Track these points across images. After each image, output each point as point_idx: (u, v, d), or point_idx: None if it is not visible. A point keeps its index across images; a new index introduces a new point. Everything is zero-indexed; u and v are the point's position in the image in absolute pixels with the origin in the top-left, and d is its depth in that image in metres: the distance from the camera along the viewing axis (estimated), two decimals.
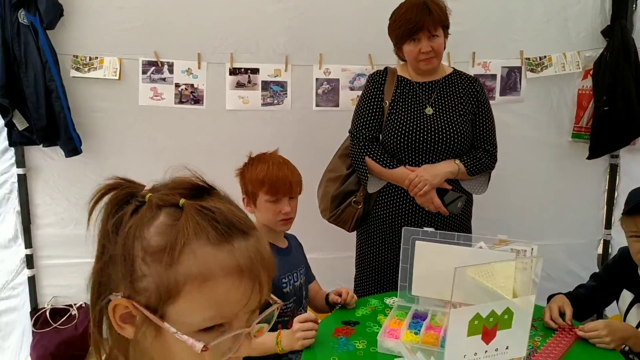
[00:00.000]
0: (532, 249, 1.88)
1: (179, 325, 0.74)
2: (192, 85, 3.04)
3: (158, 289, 0.73)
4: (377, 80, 2.48)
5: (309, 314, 1.91)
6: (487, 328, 1.50)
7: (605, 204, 3.45)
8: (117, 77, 2.95)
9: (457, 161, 2.37)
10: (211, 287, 0.73)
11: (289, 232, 2.21)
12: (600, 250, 3.52)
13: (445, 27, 2.37)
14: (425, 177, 2.31)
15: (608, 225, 3.45)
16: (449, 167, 2.36)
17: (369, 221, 2.51)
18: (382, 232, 2.47)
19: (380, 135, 2.45)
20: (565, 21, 3.12)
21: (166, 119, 3.03)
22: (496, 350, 1.53)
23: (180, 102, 3.05)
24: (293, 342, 1.79)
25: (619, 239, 3.36)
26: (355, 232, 2.59)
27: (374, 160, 2.41)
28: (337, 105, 3.11)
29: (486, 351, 1.51)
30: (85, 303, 3.12)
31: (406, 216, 2.41)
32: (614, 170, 3.38)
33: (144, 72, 2.99)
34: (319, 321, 1.89)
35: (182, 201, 0.76)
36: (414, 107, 2.40)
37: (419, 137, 2.35)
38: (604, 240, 3.48)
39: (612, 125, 3.11)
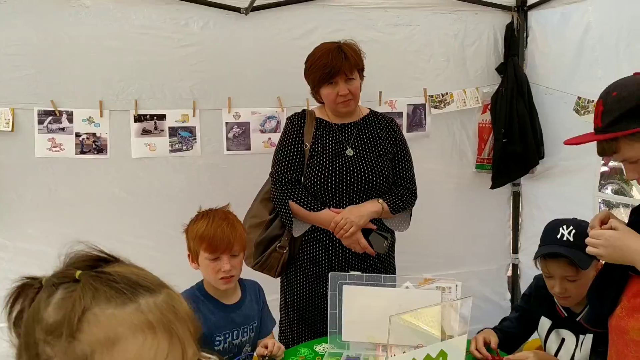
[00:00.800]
0: (457, 285, 1.92)
1: None
2: (94, 134, 2.88)
3: None
4: (296, 122, 2.47)
5: None
6: None
7: (511, 230, 3.63)
8: (9, 129, 2.73)
9: (381, 200, 2.40)
10: (122, 349, 0.68)
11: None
12: (510, 274, 3.69)
13: (361, 69, 2.42)
14: (351, 219, 2.31)
15: (515, 250, 3.63)
16: (373, 207, 2.38)
17: (295, 265, 2.46)
18: (308, 276, 2.43)
19: (302, 178, 2.42)
20: (464, 60, 3.30)
21: (67, 171, 2.84)
22: None
23: (82, 152, 2.87)
24: None
25: (526, 262, 3.53)
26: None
27: (298, 204, 2.38)
28: (249, 149, 3.07)
29: None
30: None
31: (332, 258, 2.40)
32: (516, 198, 3.58)
33: (40, 123, 2.79)
34: None
35: (77, 273, 0.71)
36: (335, 149, 2.41)
37: (342, 179, 2.36)
38: (513, 265, 3.65)
39: (510, 156, 3.29)
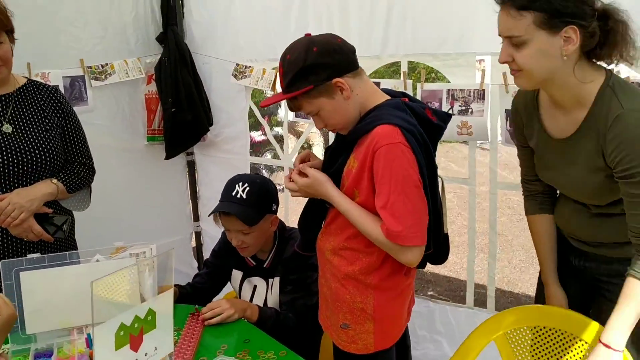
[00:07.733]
0: (151, 248, 1.86)
1: None
2: None
3: None
4: None
5: None
6: (133, 336, 1.41)
7: (190, 199, 3.69)
8: None
9: (54, 180, 2.13)
10: None
11: None
12: (194, 243, 3.76)
13: (10, 32, 2.05)
14: (20, 203, 2.00)
15: (196, 217, 3.71)
16: (46, 189, 2.09)
17: None
18: None
19: None
20: (124, 29, 3.17)
21: None
22: (146, 355, 1.45)
23: None
24: None
25: (208, 228, 3.64)
26: None
27: None
28: None
29: (137, 359, 1.42)
30: None
31: (3, 253, 2.05)
32: (191, 166, 3.65)
33: None
34: None
35: None
36: None
37: (2, 160, 2.01)
38: (196, 232, 3.72)
39: (181, 124, 3.31)
